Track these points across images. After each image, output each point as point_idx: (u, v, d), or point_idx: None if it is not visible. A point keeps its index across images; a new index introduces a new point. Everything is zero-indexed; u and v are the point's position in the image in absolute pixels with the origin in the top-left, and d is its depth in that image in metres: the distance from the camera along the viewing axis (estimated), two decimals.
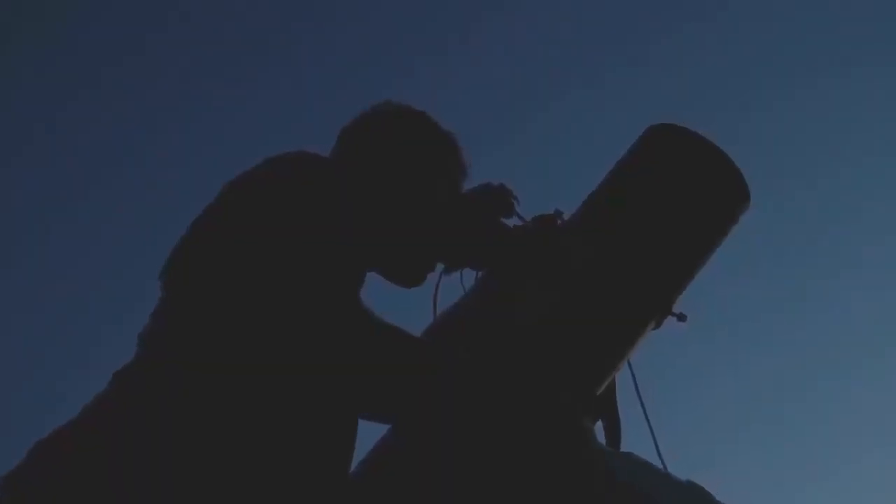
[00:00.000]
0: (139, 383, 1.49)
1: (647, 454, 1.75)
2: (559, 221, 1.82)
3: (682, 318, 1.81)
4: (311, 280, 1.49)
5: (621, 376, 1.84)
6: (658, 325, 1.81)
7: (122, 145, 5.72)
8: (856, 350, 5.42)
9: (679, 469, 1.72)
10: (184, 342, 1.49)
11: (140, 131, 5.71)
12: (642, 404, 1.85)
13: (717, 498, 1.61)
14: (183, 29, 5.80)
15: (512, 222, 1.85)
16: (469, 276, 1.88)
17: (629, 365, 1.84)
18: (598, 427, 1.79)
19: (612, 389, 1.82)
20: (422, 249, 1.80)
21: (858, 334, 5.44)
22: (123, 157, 5.72)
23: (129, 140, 5.70)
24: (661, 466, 1.73)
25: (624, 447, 1.81)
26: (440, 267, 1.85)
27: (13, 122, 5.65)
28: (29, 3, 5.68)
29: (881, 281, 5.40)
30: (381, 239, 1.74)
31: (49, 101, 5.65)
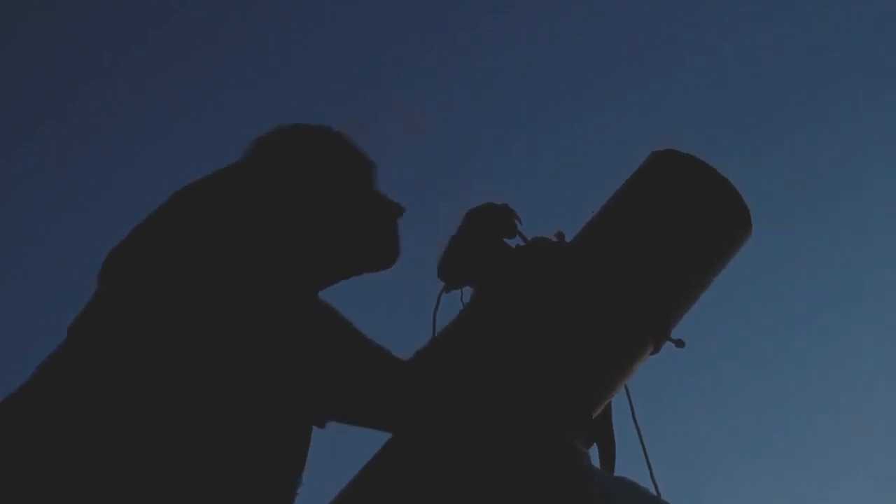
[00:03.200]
0: (79, 381, 1.47)
1: (642, 479, 1.75)
2: (559, 242, 1.82)
3: (680, 344, 1.82)
4: (271, 280, 1.50)
5: (617, 400, 1.84)
6: (656, 351, 1.81)
7: (122, 148, 5.72)
8: (859, 379, 5.41)
9: (672, 495, 1.72)
10: (131, 341, 1.48)
11: (143, 134, 5.71)
12: (638, 429, 1.85)
13: None
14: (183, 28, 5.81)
15: (514, 242, 1.85)
16: (469, 295, 1.89)
17: (626, 389, 1.84)
18: (593, 450, 1.80)
19: (608, 413, 1.82)
20: (371, 230, 1.78)
21: (861, 364, 5.43)
22: (124, 159, 5.72)
23: (128, 142, 5.70)
24: (654, 492, 1.74)
25: (618, 471, 1.81)
26: (440, 285, 1.86)
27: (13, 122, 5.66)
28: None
29: (885, 309, 5.39)
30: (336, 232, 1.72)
31: (47, 101, 5.66)
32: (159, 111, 5.77)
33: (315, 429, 1.60)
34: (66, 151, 5.66)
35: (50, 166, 5.64)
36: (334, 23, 5.70)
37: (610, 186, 1.94)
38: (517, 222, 1.85)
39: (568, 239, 1.84)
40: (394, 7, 5.72)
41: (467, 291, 1.88)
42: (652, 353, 1.81)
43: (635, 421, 1.87)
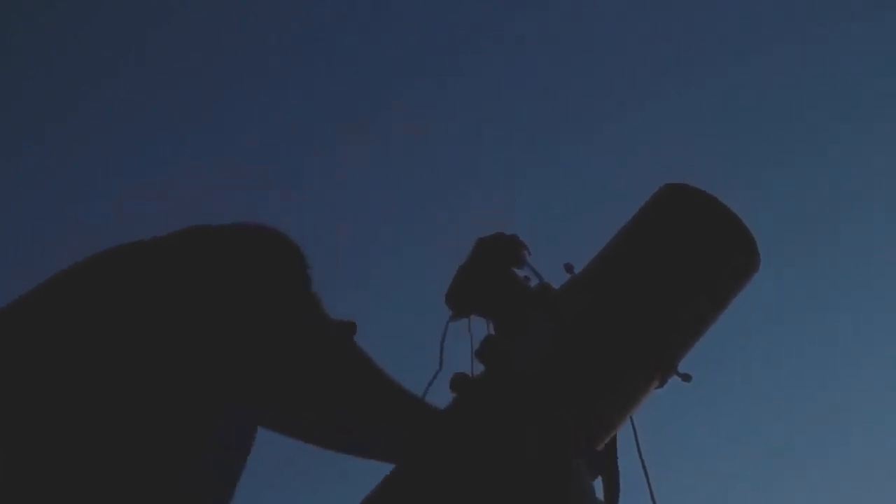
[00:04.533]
0: None
1: None
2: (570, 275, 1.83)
3: (686, 378, 1.82)
4: None
5: (622, 433, 1.84)
6: (662, 384, 1.81)
7: (123, 150, 5.72)
8: (862, 415, 5.38)
9: None
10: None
11: (145, 136, 5.72)
12: (643, 463, 1.86)
13: None
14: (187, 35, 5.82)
15: (523, 272, 1.86)
16: (476, 323, 1.89)
17: (632, 422, 1.84)
18: (598, 483, 1.80)
19: (613, 446, 1.82)
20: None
21: (864, 399, 5.41)
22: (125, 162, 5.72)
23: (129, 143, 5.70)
24: None
25: None
26: (448, 314, 1.87)
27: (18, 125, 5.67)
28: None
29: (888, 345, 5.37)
30: None
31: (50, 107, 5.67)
32: (161, 111, 5.77)
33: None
34: (67, 155, 5.66)
35: (50, 167, 5.65)
36: (342, 24, 5.71)
37: (620, 218, 1.94)
38: (527, 253, 1.86)
39: (577, 271, 1.85)
40: (401, 10, 5.73)
41: (475, 320, 1.89)
42: (658, 387, 1.81)
43: (640, 454, 1.87)
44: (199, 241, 1.61)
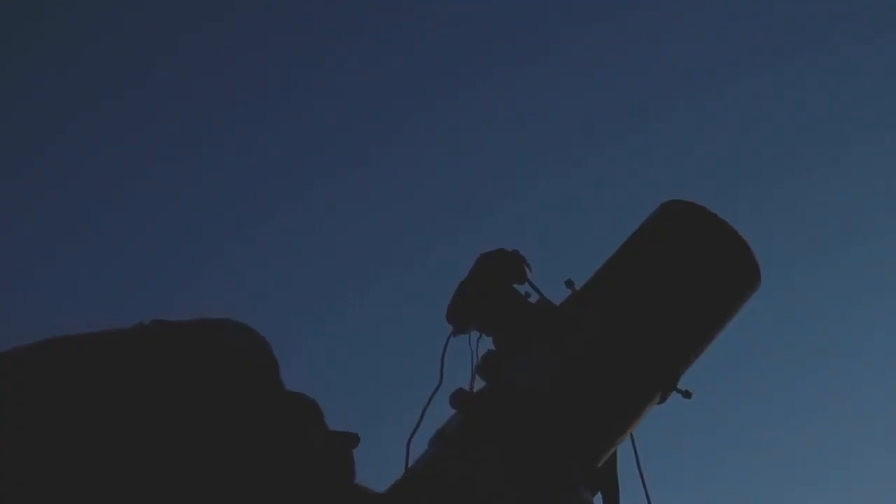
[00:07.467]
0: None
1: None
2: (570, 291, 1.84)
3: (687, 394, 1.83)
4: None
5: (622, 448, 1.85)
6: (663, 400, 1.82)
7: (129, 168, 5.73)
8: (867, 430, 5.38)
9: None
10: None
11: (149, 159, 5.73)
12: (642, 478, 1.87)
13: None
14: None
15: (524, 289, 1.87)
16: (477, 338, 1.90)
17: (631, 438, 1.85)
18: (598, 499, 1.80)
19: (612, 461, 1.83)
20: None
21: (868, 415, 5.41)
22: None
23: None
24: None
25: None
26: (448, 329, 1.87)
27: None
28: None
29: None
30: None
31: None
32: (169, 117, 5.79)
33: None
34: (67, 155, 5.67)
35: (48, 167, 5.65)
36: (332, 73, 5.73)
37: (622, 233, 1.95)
38: (528, 269, 1.86)
39: (578, 286, 1.85)
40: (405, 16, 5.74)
41: (475, 335, 1.90)
42: (658, 403, 1.82)
43: (639, 468, 1.88)
44: (168, 347, 1.55)
